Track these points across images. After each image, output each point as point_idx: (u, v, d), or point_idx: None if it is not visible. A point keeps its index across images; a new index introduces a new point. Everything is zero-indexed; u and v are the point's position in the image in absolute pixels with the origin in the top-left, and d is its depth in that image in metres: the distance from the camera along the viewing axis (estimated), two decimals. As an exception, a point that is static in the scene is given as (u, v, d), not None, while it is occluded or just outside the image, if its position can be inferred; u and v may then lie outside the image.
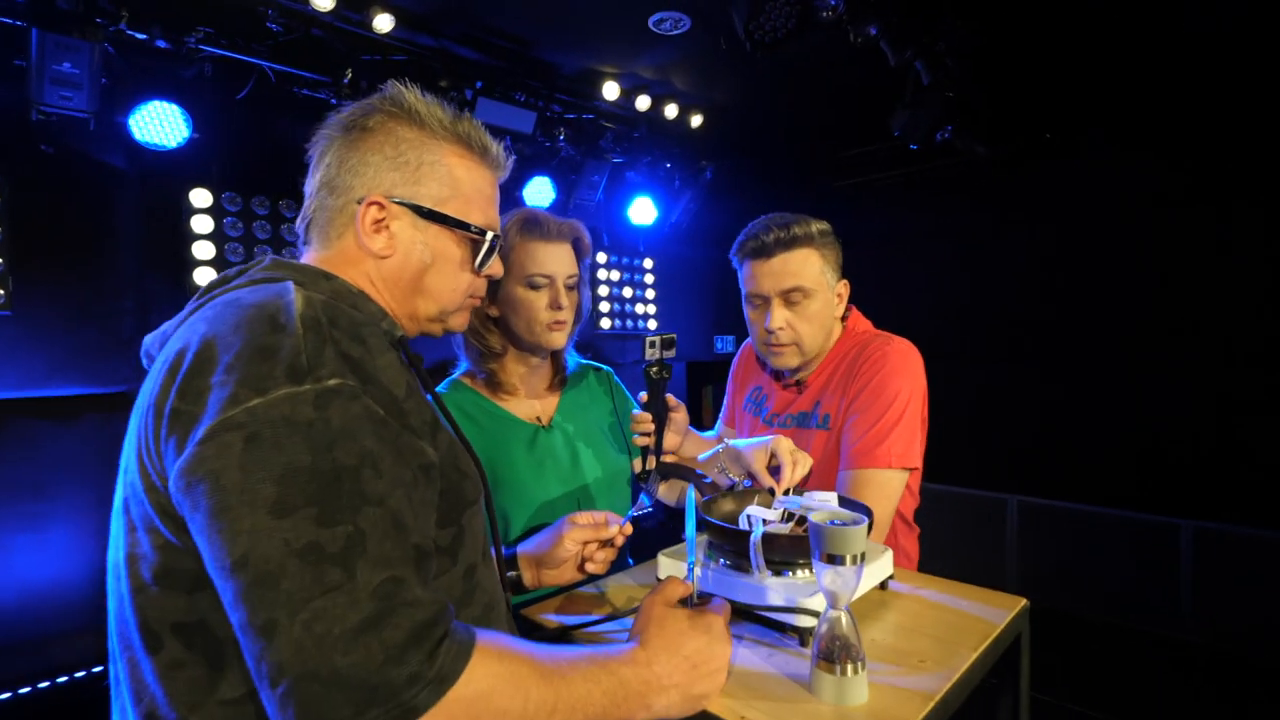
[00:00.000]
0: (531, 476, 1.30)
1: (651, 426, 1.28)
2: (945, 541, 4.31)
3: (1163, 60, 2.99)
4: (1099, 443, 3.73)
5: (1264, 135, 3.14)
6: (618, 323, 4.13)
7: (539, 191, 3.46)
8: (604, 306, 4.03)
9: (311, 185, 0.82)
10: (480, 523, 0.78)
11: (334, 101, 3.00)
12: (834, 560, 0.72)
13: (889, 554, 1.03)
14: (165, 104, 2.55)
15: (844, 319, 1.51)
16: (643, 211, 3.94)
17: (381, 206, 0.79)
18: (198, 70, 2.71)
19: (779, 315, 1.40)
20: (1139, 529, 3.50)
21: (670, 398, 1.32)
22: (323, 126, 0.83)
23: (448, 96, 3.06)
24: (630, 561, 1.35)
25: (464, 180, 0.83)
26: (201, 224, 2.75)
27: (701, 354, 4.36)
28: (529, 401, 1.39)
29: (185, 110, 2.58)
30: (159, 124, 2.54)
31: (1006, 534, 3.92)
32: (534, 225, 1.30)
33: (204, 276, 2.75)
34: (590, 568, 1.05)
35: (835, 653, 0.73)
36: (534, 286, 1.29)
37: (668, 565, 1.04)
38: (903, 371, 1.34)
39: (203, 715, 0.62)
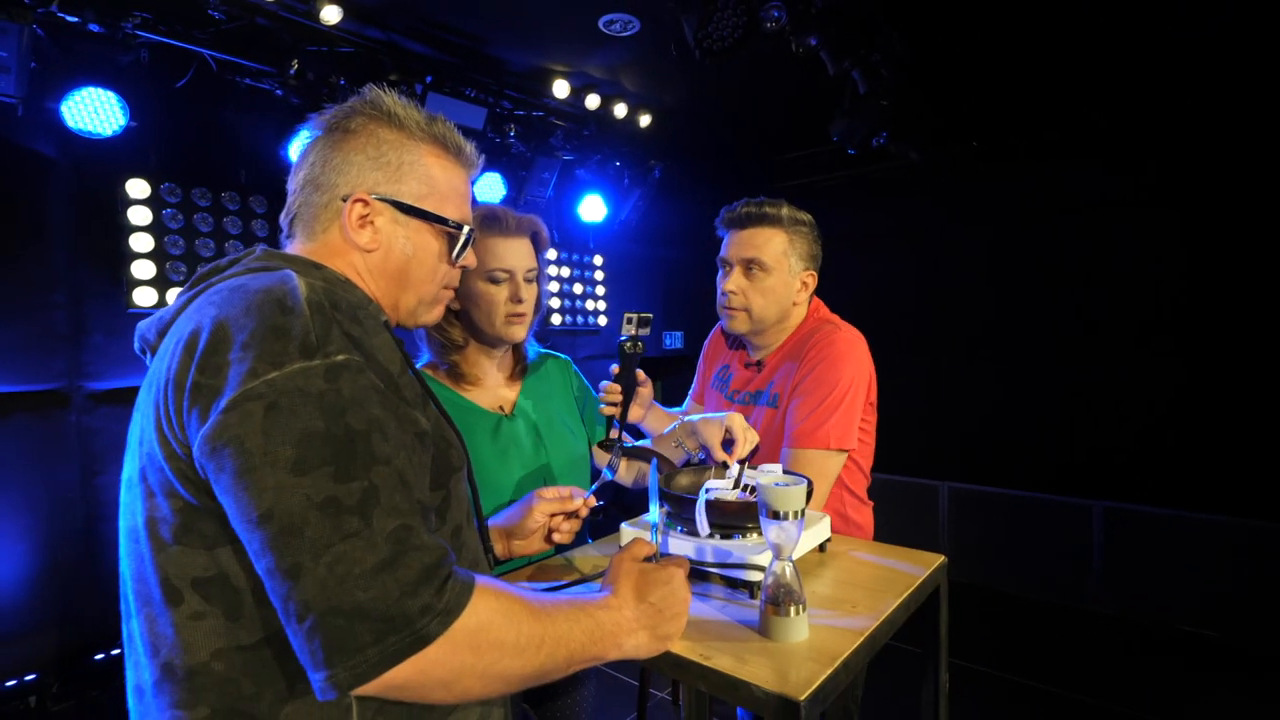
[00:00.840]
0: (496, 463, 1.35)
1: (620, 397, 1.36)
2: (883, 526, 4.55)
3: (1083, 69, 3.25)
4: (1024, 430, 4.01)
5: (1182, 141, 3.44)
6: (569, 319, 4.18)
7: (489, 187, 3.48)
8: (554, 303, 4.08)
9: (295, 182, 0.88)
10: (464, 489, 0.85)
11: (279, 93, 2.96)
12: (778, 516, 0.81)
13: (826, 520, 1.14)
14: (100, 90, 2.46)
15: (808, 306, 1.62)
16: (593, 209, 4.00)
17: (366, 203, 0.84)
18: (134, 57, 2.63)
19: (735, 280, 1.52)
20: (1056, 510, 3.79)
21: (640, 373, 1.40)
22: (306, 126, 0.89)
23: (397, 90, 3.04)
24: (589, 540, 1.43)
25: (440, 178, 0.89)
26: (139, 215, 2.66)
27: (649, 349, 4.46)
28: (492, 391, 1.44)
29: (122, 97, 2.50)
30: (93, 111, 2.46)
31: (939, 518, 4.16)
32: (494, 221, 1.35)
33: (143, 270, 2.67)
34: (557, 538, 1.13)
35: (780, 597, 0.83)
36: (494, 281, 1.33)
37: (630, 534, 1.12)
38: (847, 358, 1.44)
39: (223, 660, 0.68)
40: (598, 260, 4.32)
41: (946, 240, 4.25)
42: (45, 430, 2.54)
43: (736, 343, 1.71)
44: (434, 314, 0.96)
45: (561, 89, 3.43)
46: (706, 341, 1.85)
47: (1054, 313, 3.90)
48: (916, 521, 4.22)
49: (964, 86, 3.39)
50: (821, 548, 1.15)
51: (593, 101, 3.60)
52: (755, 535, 1.01)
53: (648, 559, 0.87)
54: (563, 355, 1.62)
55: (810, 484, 1.07)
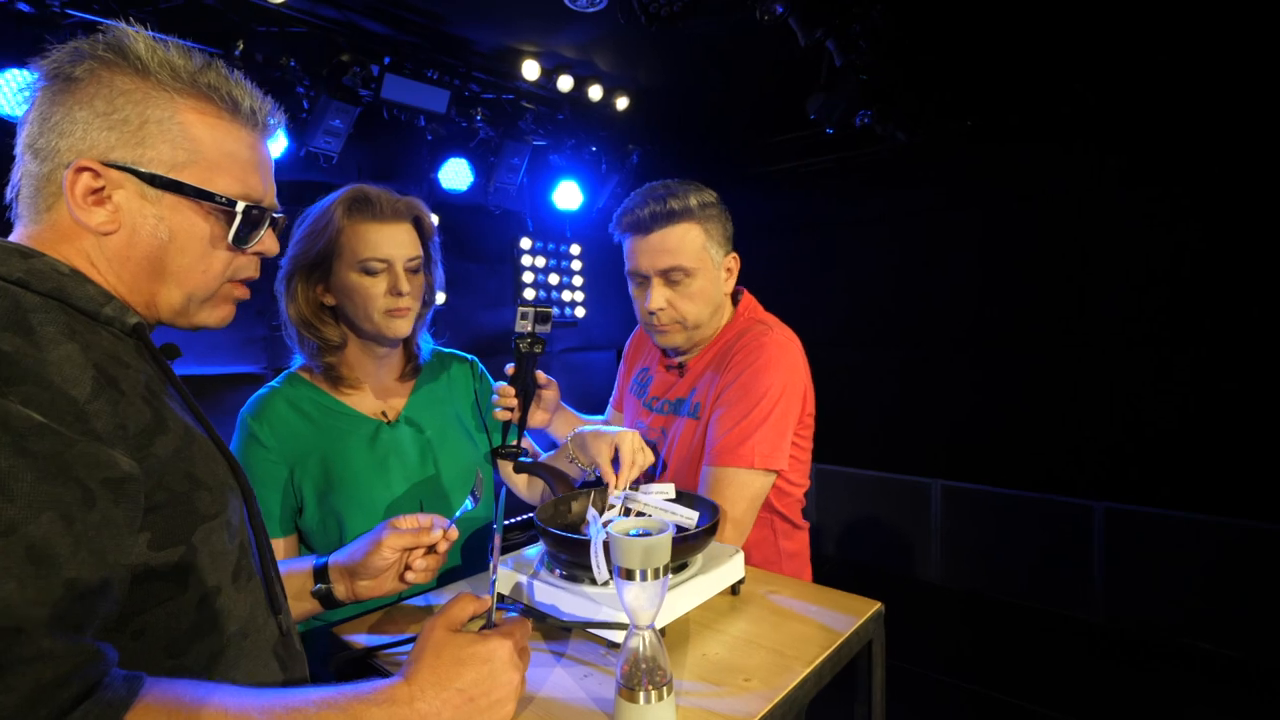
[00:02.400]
0: (372, 476, 1.20)
1: (515, 401, 1.22)
2: (868, 527, 4.39)
3: (1083, 44, 3.03)
4: (1020, 427, 3.82)
5: (1182, 123, 3.21)
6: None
7: (455, 174, 3.32)
8: (529, 294, 3.92)
9: (18, 148, 0.70)
10: (224, 540, 0.67)
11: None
12: (631, 576, 0.65)
13: (739, 556, 0.98)
14: (27, 72, 2.33)
15: (735, 299, 1.44)
16: (568, 196, 3.84)
17: (96, 174, 0.67)
18: (66, 37, 2.49)
19: (659, 294, 1.31)
20: (1055, 510, 3.60)
21: (540, 374, 1.26)
22: (30, 70, 0.70)
23: (351, 72, 2.89)
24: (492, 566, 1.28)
25: (205, 141, 0.71)
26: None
27: (632, 342, 4.31)
28: (374, 396, 1.29)
29: (49, 80, 2.36)
30: (21, 94, 2.33)
31: (931, 518, 3.99)
32: (363, 204, 1.19)
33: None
34: (411, 577, 0.95)
35: (637, 677, 0.66)
36: (369, 271, 1.18)
37: (502, 577, 0.96)
38: (777, 365, 1.26)
39: None
40: (575, 249, 4.17)
41: (937, 226, 4.04)
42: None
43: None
44: (220, 313, 0.78)
45: (531, 70, 3.26)
46: (629, 339, 1.68)
47: (1051, 303, 3.70)
48: (904, 521, 4.04)
49: (953, 61, 3.17)
50: (734, 589, 0.98)
51: (565, 83, 3.42)
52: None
53: (481, 623, 0.71)
54: (469, 356, 1.47)
55: (713, 523, 0.92)
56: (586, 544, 0.84)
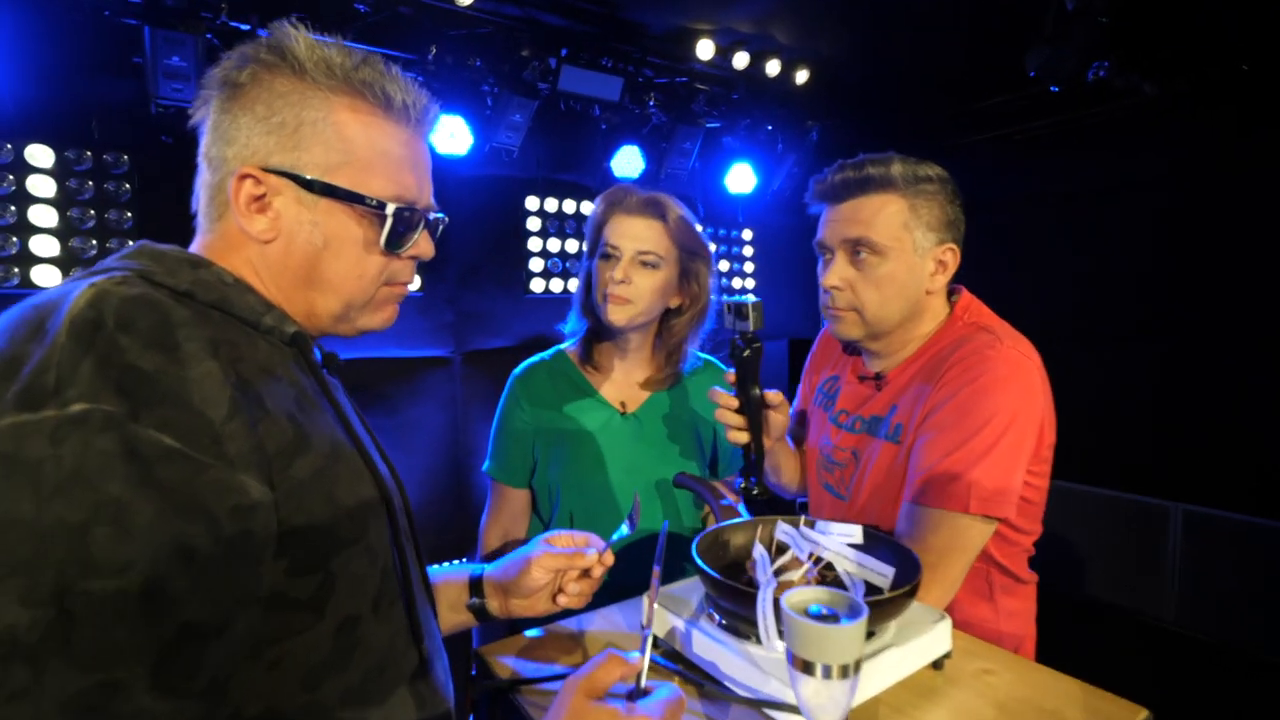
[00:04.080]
0: (592, 460, 1.30)
1: (739, 419, 1.08)
2: (1087, 556, 3.77)
3: None
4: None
5: None
6: (714, 298, 3.91)
7: (628, 162, 3.30)
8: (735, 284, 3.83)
9: (199, 158, 0.71)
10: (365, 565, 0.64)
11: (421, 79, 3.00)
12: (809, 669, 0.52)
13: (945, 625, 0.80)
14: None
15: (951, 298, 1.21)
16: (741, 179, 3.67)
17: (257, 181, 0.66)
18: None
19: (838, 271, 1.14)
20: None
21: (771, 393, 1.09)
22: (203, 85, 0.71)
23: (530, 67, 2.96)
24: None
25: (358, 140, 0.68)
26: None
27: (805, 331, 4.05)
28: (619, 385, 1.39)
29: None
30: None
31: (1168, 548, 3.32)
32: (614, 198, 1.33)
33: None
34: (563, 601, 0.91)
35: (814, 791, 0.54)
36: (604, 257, 1.30)
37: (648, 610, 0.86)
38: (1009, 384, 1.02)
39: None
40: (746, 235, 3.99)
41: (1184, 199, 3.29)
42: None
43: (851, 346, 1.31)
44: (381, 316, 0.77)
45: (706, 49, 3.14)
46: (815, 341, 1.48)
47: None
48: (1132, 549, 3.41)
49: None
50: (937, 664, 0.81)
51: (741, 60, 3.26)
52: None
53: (624, 692, 0.62)
54: (720, 364, 1.48)
55: (914, 585, 0.75)
56: (751, 597, 0.72)
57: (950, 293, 1.21)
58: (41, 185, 2.43)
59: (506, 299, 3.22)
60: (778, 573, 0.79)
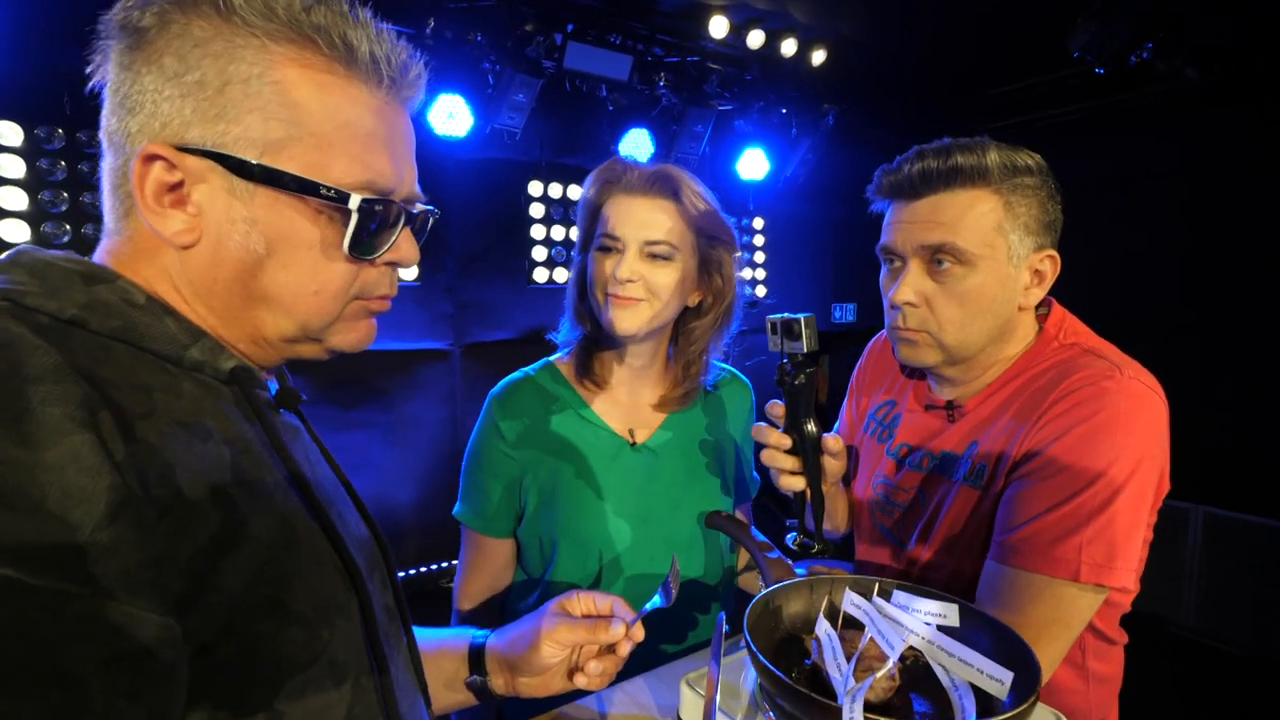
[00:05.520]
0: (595, 506, 1.04)
1: (793, 462, 0.90)
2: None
3: None
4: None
5: None
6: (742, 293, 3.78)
7: (635, 145, 3.16)
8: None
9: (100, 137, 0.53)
10: (325, 689, 0.49)
11: (419, 55, 2.85)
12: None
13: None
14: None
15: (1041, 314, 1.02)
16: (753, 165, 3.53)
17: (170, 164, 0.49)
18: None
19: (912, 284, 0.93)
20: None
21: (830, 437, 0.92)
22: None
23: (534, 43, 2.80)
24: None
25: (310, 106, 0.50)
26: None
27: (818, 324, 3.93)
28: (626, 409, 1.12)
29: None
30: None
31: (1187, 552, 3.23)
32: (611, 174, 1.04)
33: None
34: (581, 682, 0.75)
35: None
36: (603, 249, 1.04)
37: (691, 703, 0.72)
38: (1132, 424, 0.84)
39: None
40: (758, 223, 3.86)
41: (1219, 193, 3.16)
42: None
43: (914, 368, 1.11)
44: (354, 335, 0.59)
45: (719, 27, 2.99)
46: (863, 355, 1.26)
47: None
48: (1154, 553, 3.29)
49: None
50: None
51: (755, 39, 3.11)
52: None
53: None
54: (746, 379, 1.25)
55: (1031, 699, 0.59)
56: (834, 712, 0.57)
57: (1038, 305, 1.01)
58: (10, 165, 2.26)
59: (508, 289, 3.09)
60: (853, 666, 0.63)
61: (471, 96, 2.75)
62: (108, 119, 0.51)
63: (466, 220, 2.96)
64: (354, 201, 0.52)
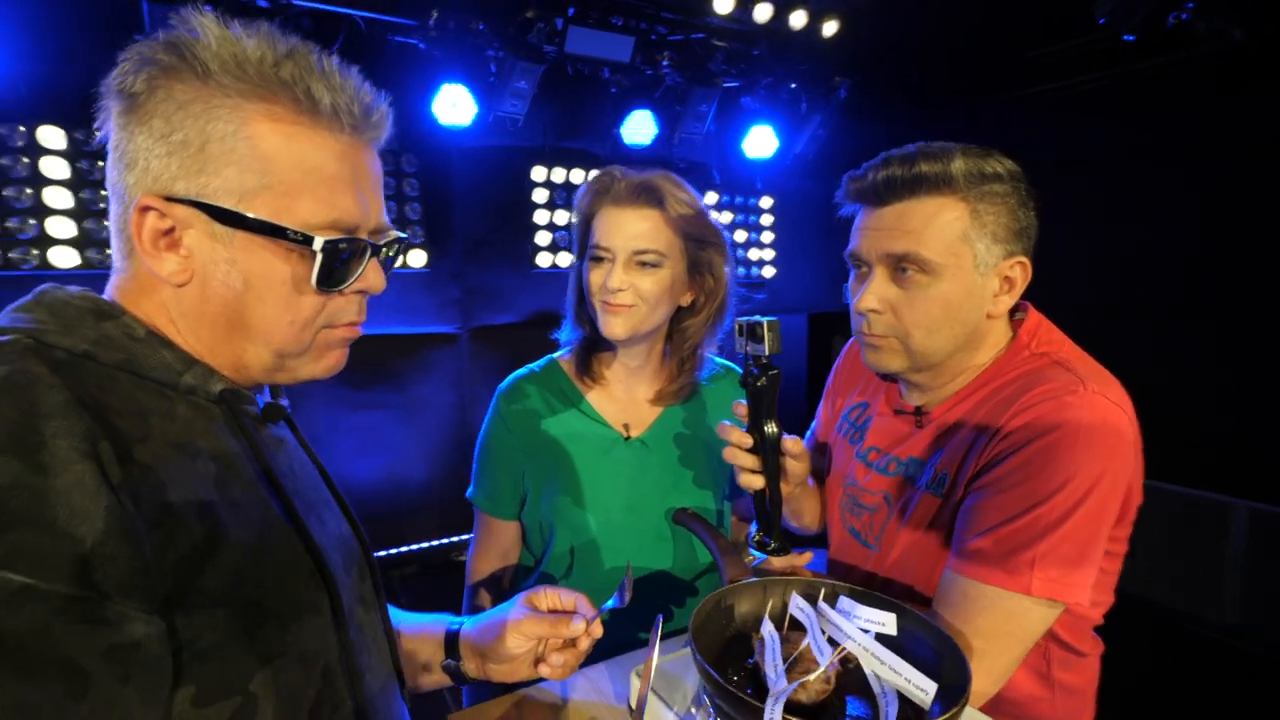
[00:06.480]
0: (591, 494, 1.14)
1: (753, 460, 0.93)
2: (1136, 555, 3.52)
3: None
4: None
5: None
6: (733, 287, 3.77)
7: (638, 127, 3.16)
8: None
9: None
10: (297, 677, 0.57)
11: (422, 46, 2.91)
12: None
13: None
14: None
15: (1014, 319, 1.00)
16: (760, 143, 3.48)
17: (161, 214, 0.57)
18: (296, 26, 2.74)
19: (876, 291, 0.93)
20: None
21: (790, 440, 0.94)
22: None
23: (535, 29, 2.83)
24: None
25: (279, 157, 0.57)
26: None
27: (828, 304, 3.88)
28: (622, 404, 1.21)
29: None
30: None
31: (1229, 550, 3.05)
32: (603, 185, 1.12)
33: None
34: (545, 672, 0.83)
35: None
36: (595, 259, 1.12)
37: (638, 693, 0.76)
38: (1092, 439, 0.82)
39: None
40: (765, 202, 3.81)
41: (1265, 167, 2.94)
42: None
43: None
44: (324, 364, 0.66)
45: (724, 3, 2.95)
46: (839, 357, 1.27)
47: None
48: (1193, 549, 3.13)
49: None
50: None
51: (763, 12, 3.05)
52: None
53: None
54: (737, 369, 1.31)
55: (958, 707, 0.62)
56: (757, 712, 0.61)
57: (1013, 309, 0.99)
58: (55, 167, 2.47)
59: (514, 274, 3.17)
60: (790, 667, 0.67)
61: (474, 86, 2.82)
62: (110, 172, 0.60)
63: (471, 208, 3.05)
64: (317, 243, 0.59)
